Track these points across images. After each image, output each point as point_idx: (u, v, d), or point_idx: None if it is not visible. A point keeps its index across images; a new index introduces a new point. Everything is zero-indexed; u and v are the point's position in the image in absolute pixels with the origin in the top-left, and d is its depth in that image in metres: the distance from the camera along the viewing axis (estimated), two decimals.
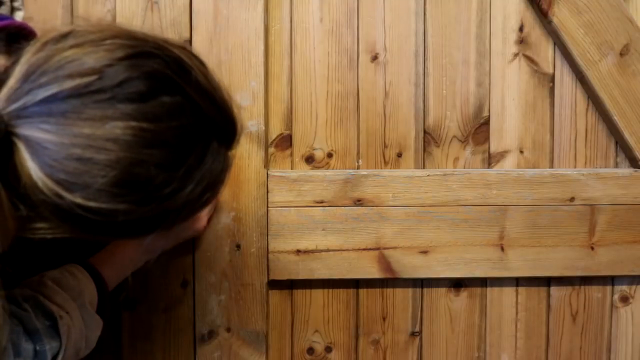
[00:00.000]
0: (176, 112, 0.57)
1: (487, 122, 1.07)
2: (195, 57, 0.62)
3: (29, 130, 0.53)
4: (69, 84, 0.53)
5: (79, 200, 0.54)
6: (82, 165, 0.53)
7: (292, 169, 1.06)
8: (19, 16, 0.97)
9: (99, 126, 0.53)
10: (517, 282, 1.09)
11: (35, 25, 1.01)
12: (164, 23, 0.98)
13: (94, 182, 0.54)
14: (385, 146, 1.06)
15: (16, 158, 0.53)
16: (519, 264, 1.05)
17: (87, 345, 0.77)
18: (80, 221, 0.56)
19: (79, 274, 0.79)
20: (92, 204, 0.54)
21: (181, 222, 0.64)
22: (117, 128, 0.53)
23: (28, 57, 0.55)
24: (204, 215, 0.94)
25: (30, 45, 0.56)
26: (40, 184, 0.53)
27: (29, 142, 0.53)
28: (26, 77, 0.54)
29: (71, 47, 0.55)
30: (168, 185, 0.57)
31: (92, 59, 0.54)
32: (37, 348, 0.68)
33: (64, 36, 0.56)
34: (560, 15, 1.03)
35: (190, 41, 0.99)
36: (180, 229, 0.90)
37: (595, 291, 1.10)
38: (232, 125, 0.64)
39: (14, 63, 0.55)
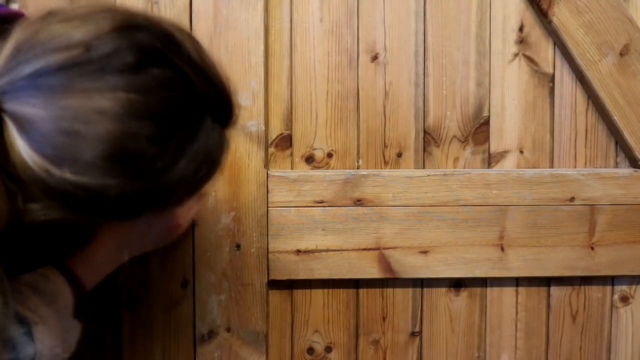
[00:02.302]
0: (166, 85, 0.56)
1: (487, 122, 1.07)
2: (188, 34, 0.61)
3: (17, 105, 0.52)
4: (56, 57, 0.52)
5: (68, 175, 0.53)
6: (70, 139, 0.52)
7: (292, 169, 1.06)
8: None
9: (87, 98, 0.52)
10: (517, 282, 1.09)
11: None
12: None
13: (82, 157, 0.52)
14: (385, 146, 1.06)
15: (5, 135, 0.52)
16: (519, 264, 1.05)
17: (65, 349, 0.74)
18: (70, 199, 0.55)
19: (53, 277, 0.76)
20: (81, 179, 0.53)
21: (176, 204, 0.62)
22: (105, 100, 0.52)
23: (16, 34, 0.54)
24: (185, 216, 0.91)
25: (19, 24, 0.55)
26: (29, 160, 0.52)
27: (17, 118, 0.52)
28: (14, 54, 0.53)
29: (59, 22, 0.54)
30: (160, 159, 0.55)
31: (80, 32, 0.54)
32: (12, 357, 0.66)
33: (52, 13, 0.56)
34: (560, 15, 1.03)
35: None
36: (159, 229, 0.88)
37: (595, 291, 1.10)
38: (226, 102, 0.63)
39: (3, 42, 0.54)
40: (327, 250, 1.03)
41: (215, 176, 0.65)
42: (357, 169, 1.06)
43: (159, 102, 0.55)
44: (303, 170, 1.05)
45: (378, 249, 1.03)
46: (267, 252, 1.02)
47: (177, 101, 0.56)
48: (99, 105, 0.52)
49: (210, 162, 0.62)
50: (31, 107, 0.52)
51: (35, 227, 0.58)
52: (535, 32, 1.07)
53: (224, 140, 0.64)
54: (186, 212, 0.90)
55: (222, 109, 0.63)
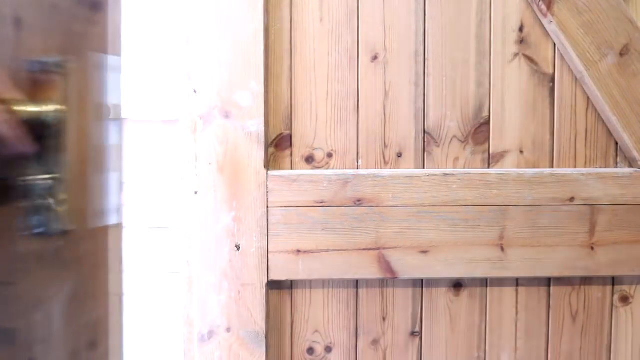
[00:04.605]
0: None
1: (487, 122, 1.07)
2: None
3: None
4: None
5: None
6: None
7: (292, 169, 1.06)
8: None
9: None
10: (517, 282, 1.09)
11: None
12: None
13: None
14: (385, 146, 1.06)
15: None
16: (519, 264, 1.05)
17: None
18: None
19: None
20: None
21: None
22: None
23: None
24: None
25: None
26: None
27: None
28: None
29: None
30: None
31: None
32: None
33: None
34: (560, 15, 1.03)
35: (189, 40, 0.99)
36: None
37: (595, 291, 1.10)
38: None
39: None
40: (327, 250, 1.03)
41: None
42: (357, 169, 1.06)
43: None
44: (303, 170, 1.05)
45: (378, 249, 1.03)
46: (267, 252, 1.02)
47: None
48: None
49: None
50: None
51: None
52: (535, 32, 1.07)
53: None
54: None
55: None
